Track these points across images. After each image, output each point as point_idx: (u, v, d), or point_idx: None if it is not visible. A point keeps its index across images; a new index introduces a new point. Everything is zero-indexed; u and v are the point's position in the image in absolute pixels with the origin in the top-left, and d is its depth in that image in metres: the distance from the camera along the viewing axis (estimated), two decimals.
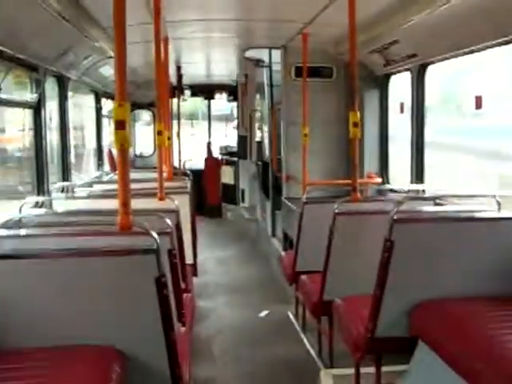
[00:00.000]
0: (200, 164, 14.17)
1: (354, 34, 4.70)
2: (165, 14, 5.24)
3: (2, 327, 3.01)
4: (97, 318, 3.04)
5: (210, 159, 14.31)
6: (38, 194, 5.97)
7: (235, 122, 15.46)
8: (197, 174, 10.07)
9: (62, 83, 6.74)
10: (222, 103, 17.63)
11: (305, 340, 5.95)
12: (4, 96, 5.17)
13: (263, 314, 6.94)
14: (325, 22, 6.21)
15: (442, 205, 5.43)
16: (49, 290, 3.02)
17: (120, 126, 2.99)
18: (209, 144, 14.54)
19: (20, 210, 4.62)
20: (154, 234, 2.93)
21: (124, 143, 3.01)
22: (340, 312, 4.28)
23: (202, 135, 15.57)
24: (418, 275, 3.66)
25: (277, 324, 6.56)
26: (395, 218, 3.52)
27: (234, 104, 14.92)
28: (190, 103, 20.31)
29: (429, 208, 4.74)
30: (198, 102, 22.66)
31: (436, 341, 3.42)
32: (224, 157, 14.60)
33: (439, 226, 3.67)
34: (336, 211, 4.60)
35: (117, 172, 8.37)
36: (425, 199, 5.35)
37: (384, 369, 4.04)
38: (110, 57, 7.00)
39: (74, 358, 2.88)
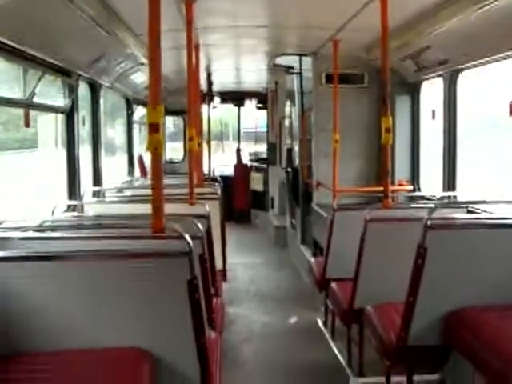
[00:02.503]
0: (229, 170, 14.23)
1: (386, 39, 4.67)
2: (196, 21, 5.27)
3: (31, 329, 3.04)
4: (128, 321, 3.05)
5: (239, 166, 14.35)
6: (70, 198, 6.04)
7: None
8: (226, 181, 10.09)
9: (95, 89, 6.81)
10: (250, 124, 17.31)
11: (334, 348, 5.91)
12: (38, 101, 5.25)
13: (292, 320, 6.92)
14: (355, 28, 6.19)
15: (475, 212, 5.36)
16: (81, 292, 3.04)
17: (153, 129, 3.01)
18: (238, 151, 14.57)
19: (52, 213, 4.68)
20: (187, 237, 2.93)
21: (157, 147, 3.03)
22: (371, 320, 4.24)
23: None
24: (452, 283, 3.60)
25: (306, 331, 6.53)
26: (429, 224, 3.48)
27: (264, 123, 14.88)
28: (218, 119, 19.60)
29: (462, 214, 4.68)
30: (228, 117, 22.04)
31: (470, 350, 3.36)
32: (253, 163, 14.62)
33: (473, 233, 3.61)
34: (367, 218, 4.56)
35: (147, 177, 8.43)
36: (458, 206, 5.28)
37: (415, 378, 3.98)
38: (142, 63, 7.07)
39: (104, 359, 2.90)
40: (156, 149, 3.03)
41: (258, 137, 16.76)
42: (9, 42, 4.15)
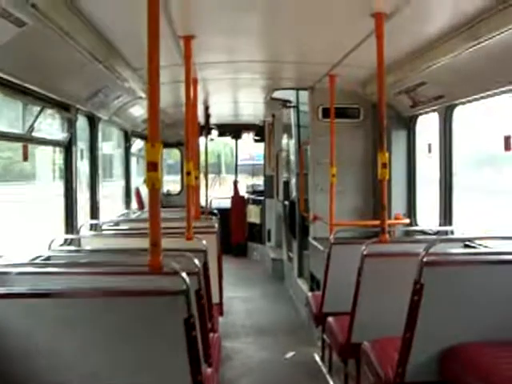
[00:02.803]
0: (226, 203, 14.23)
1: (383, 75, 4.72)
2: (194, 57, 5.34)
3: (27, 366, 3.02)
4: (124, 358, 3.03)
5: (236, 198, 14.36)
6: (67, 232, 6.03)
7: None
8: (223, 213, 10.09)
9: (93, 123, 6.85)
10: (246, 154, 16.99)
11: (331, 383, 5.85)
12: (37, 135, 5.28)
13: (289, 355, 6.86)
14: (352, 64, 6.26)
15: (471, 247, 5.36)
16: (77, 329, 3.03)
17: (152, 167, 3.03)
18: (235, 183, 14.60)
19: (49, 247, 4.67)
20: (185, 276, 2.93)
21: (156, 184, 3.05)
22: (368, 355, 4.21)
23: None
24: (449, 319, 3.59)
25: (303, 366, 6.47)
26: (425, 260, 3.48)
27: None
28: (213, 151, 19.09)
29: (459, 250, 4.67)
30: (220, 148, 21.54)
31: None
32: (250, 196, 14.64)
33: (471, 269, 3.61)
34: (364, 253, 4.56)
35: (144, 210, 8.38)
36: (455, 241, 5.29)
37: None
38: (140, 97, 7.12)
39: None
40: (154, 186, 3.05)
41: (255, 170, 16.61)
42: (9, 78, 4.19)
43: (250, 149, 16.60)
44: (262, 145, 14.65)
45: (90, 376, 3.01)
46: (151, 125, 3.14)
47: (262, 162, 15.05)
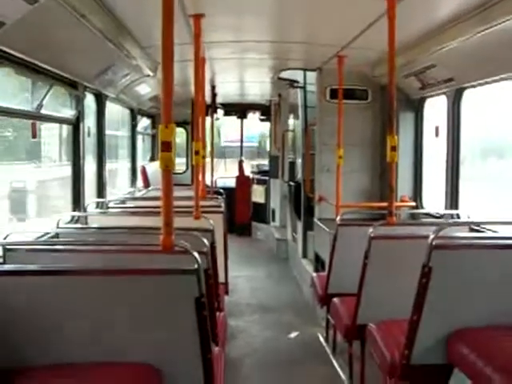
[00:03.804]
0: (231, 182, 14.24)
1: (393, 57, 4.68)
2: (202, 35, 5.31)
3: (39, 343, 3.05)
4: (135, 336, 3.06)
5: (241, 178, 14.36)
6: (74, 210, 6.06)
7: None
8: (227, 192, 10.10)
9: (100, 100, 6.84)
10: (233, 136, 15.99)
11: (335, 363, 5.90)
12: (45, 112, 5.29)
13: (293, 335, 6.90)
14: (361, 46, 6.21)
15: (478, 231, 5.37)
16: (88, 307, 3.05)
17: (166, 147, 3.03)
18: (240, 162, 14.59)
19: (57, 225, 4.70)
20: (196, 255, 2.95)
21: (169, 165, 3.05)
22: (374, 337, 4.23)
23: None
24: (457, 302, 3.61)
25: (306, 346, 6.51)
26: (434, 243, 3.49)
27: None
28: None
29: (468, 234, 4.67)
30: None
31: (473, 369, 3.36)
32: (255, 176, 14.64)
33: (479, 253, 3.62)
34: (371, 235, 4.57)
35: (149, 189, 8.37)
36: (464, 225, 5.29)
37: None
38: (148, 75, 7.10)
39: (111, 374, 2.91)
40: (168, 166, 3.05)
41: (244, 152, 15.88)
42: (18, 55, 4.18)
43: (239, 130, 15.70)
44: (250, 123, 14.32)
45: (99, 353, 3.04)
46: (165, 105, 3.14)
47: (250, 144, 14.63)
